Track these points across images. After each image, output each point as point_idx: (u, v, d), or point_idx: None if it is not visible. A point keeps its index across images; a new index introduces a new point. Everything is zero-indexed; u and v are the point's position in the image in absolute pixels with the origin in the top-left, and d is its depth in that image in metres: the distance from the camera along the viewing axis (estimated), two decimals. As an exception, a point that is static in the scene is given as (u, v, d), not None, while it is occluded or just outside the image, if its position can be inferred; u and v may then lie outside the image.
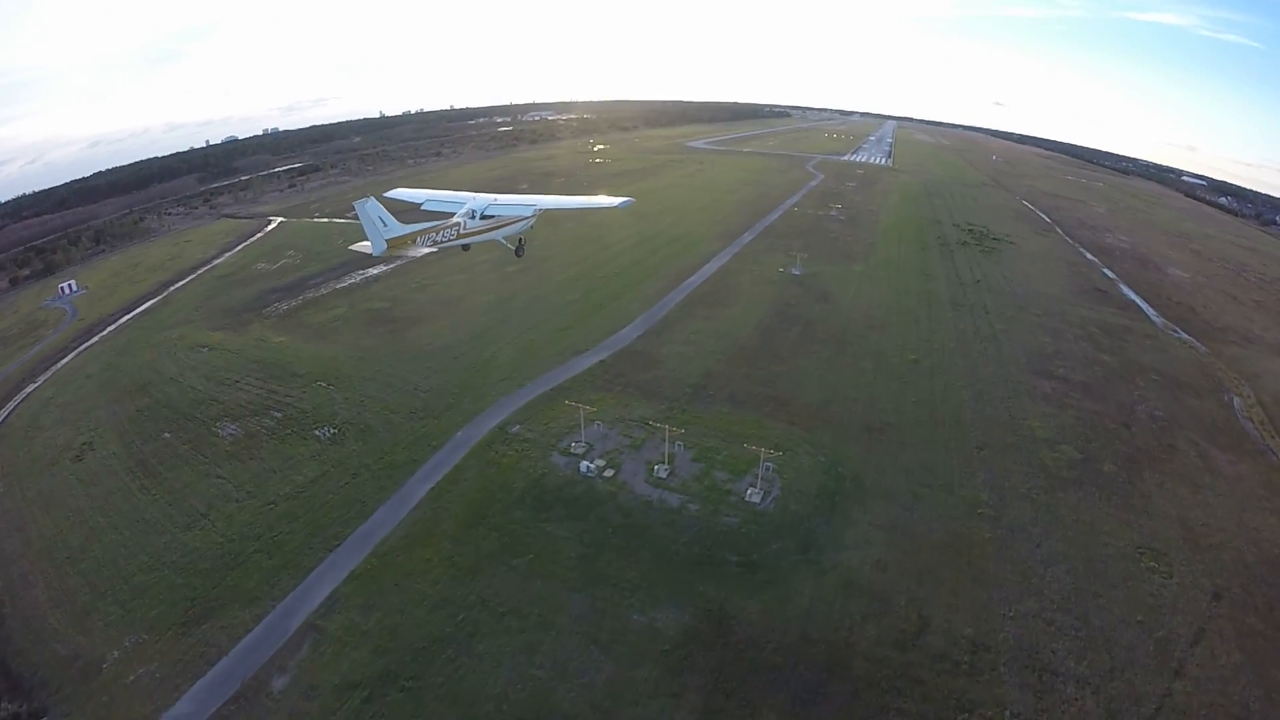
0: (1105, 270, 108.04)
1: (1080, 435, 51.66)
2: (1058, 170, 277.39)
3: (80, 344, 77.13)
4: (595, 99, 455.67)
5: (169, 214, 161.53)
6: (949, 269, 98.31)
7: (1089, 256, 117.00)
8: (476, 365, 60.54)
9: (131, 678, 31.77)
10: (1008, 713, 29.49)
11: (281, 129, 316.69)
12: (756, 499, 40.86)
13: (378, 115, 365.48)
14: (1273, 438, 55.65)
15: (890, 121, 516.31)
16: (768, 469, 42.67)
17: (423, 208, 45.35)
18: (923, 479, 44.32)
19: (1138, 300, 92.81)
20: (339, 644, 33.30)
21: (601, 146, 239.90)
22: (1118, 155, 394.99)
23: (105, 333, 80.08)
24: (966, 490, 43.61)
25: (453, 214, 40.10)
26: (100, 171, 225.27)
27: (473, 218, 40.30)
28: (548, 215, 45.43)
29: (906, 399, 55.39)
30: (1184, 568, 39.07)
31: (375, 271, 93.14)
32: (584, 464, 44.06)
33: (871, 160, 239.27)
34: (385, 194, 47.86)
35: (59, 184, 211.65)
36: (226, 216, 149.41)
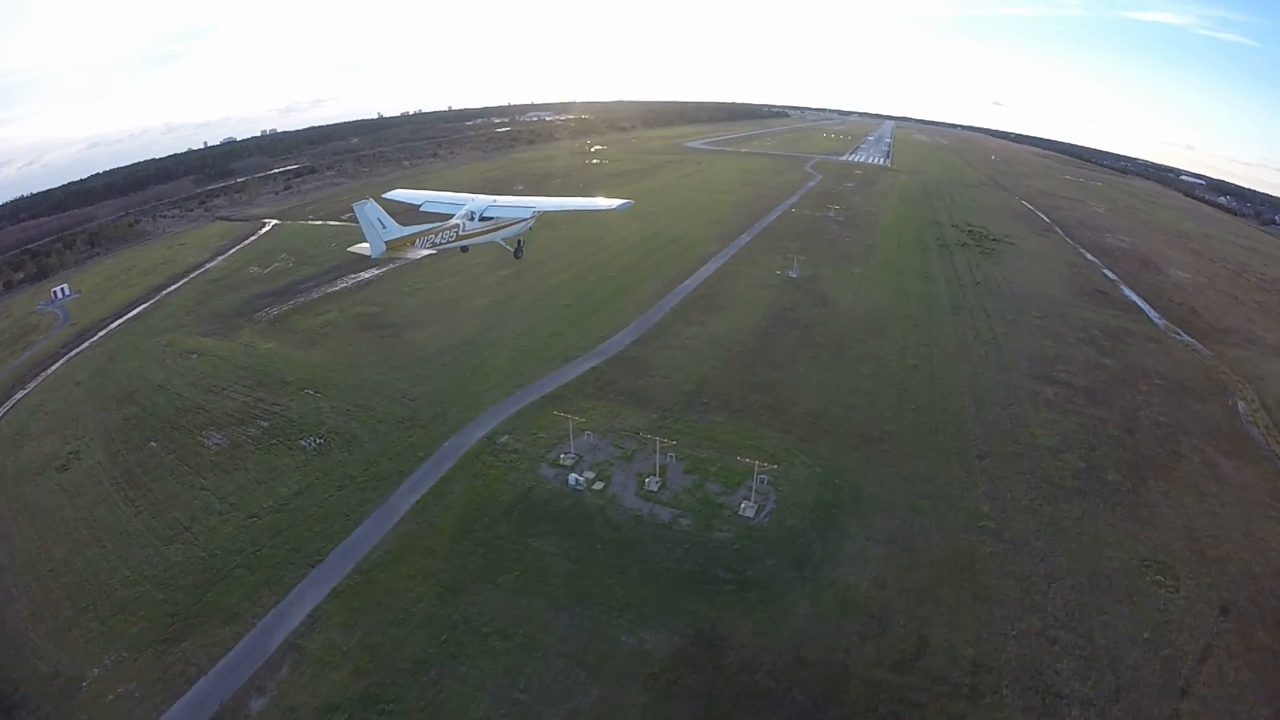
0: (1106, 271, 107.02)
1: (1084, 443, 50.49)
2: (1056, 170, 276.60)
3: (71, 349, 76.59)
4: (593, 99, 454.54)
5: (164, 216, 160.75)
6: (949, 271, 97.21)
7: (1089, 257, 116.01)
8: (466, 372, 59.32)
9: (111, 697, 31.08)
10: (1010, 738, 28.44)
11: (279, 130, 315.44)
12: (750, 513, 39.63)
13: (376, 116, 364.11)
14: (1278, 443, 54.52)
15: (888, 121, 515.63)
16: (762, 481, 41.48)
17: (421, 209, 44.97)
18: (923, 490, 43.07)
19: (1139, 302, 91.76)
20: (319, 664, 32.37)
21: (599, 147, 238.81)
22: (1116, 155, 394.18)
23: (96, 338, 79.46)
24: (967, 502, 42.39)
25: (451, 215, 39.77)
26: (98, 173, 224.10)
27: (471, 219, 39.97)
28: (545, 217, 44.88)
29: (906, 406, 54.17)
30: (1190, 581, 37.97)
31: (367, 275, 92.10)
32: (573, 476, 42.84)
33: (870, 160, 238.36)
34: (384, 195, 47.20)
35: (56, 186, 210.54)
36: (221, 219, 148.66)
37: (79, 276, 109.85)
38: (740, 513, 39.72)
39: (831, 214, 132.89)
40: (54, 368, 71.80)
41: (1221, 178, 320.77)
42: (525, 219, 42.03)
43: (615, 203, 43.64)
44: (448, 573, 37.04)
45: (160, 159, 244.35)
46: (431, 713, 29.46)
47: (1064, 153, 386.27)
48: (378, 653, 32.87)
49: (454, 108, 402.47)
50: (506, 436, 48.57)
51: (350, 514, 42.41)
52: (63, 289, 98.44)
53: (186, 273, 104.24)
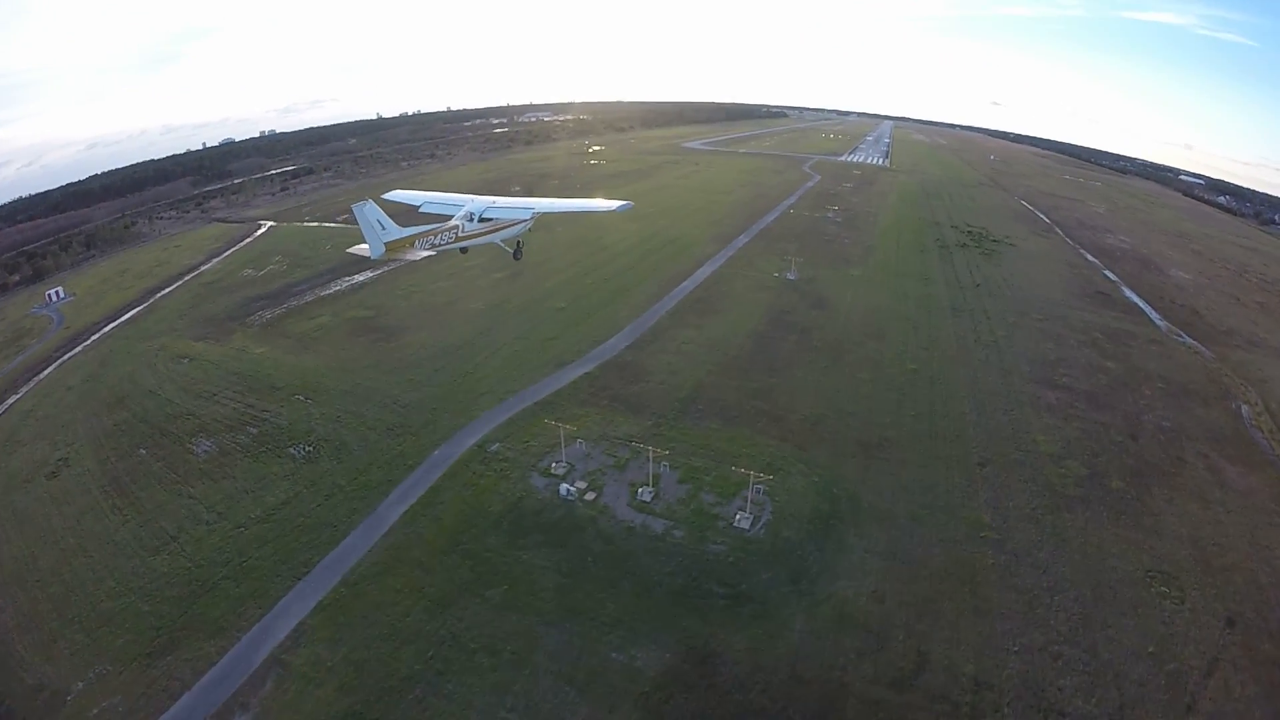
0: (1107, 272, 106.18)
1: (1086, 449, 49.58)
2: (1055, 170, 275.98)
3: (64, 353, 76.28)
4: (592, 100, 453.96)
5: (161, 218, 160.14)
6: (948, 272, 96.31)
7: (1090, 258, 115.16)
8: (458, 378, 58.39)
9: (95, 711, 30.73)
10: (1013, 760, 27.52)
11: (278, 131, 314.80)
12: (746, 524, 38.68)
13: (374, 117, 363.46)
14: (1284, 448, 53.66)
15: (887, 121, 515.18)
16: (758, 491, 40.52)
17: (420, 210, 44.80)
18: (922, 500, 42.14)
19: (1140, 303, 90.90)
20: (304, 680, 31.76)
21: (597, 147, 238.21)
22: (1115, 154, 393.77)
23: (89, 341, 79.13)
24: (968, 511, 41.45)
25: (451, 217, 39.66)
26: (96, 174, 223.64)
27: (471, 220, 39.78)
28: (543, 218, 44.45)
29: (905, 412, 53.23)
30: (1196, 592, 37.22)
31: (361, 278, 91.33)
32: (564, 486, 41.91)
33: (869, 161, 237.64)
34: (383, 196, 46.85)
35: (55, 187, 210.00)
36: (217, 221, 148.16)
37: (74, 279, 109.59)
38: (735, 524, 38.77)
39: (830, 215, 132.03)
40: (47, 372, 71.47)
41: (1221, 177, 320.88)
42: (524, 220, 41.77)
43: (614, 204, 43.25)
44: (435, 586, 36.27)
45: (158, 160, 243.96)
46: (416, 732, 28.73)
47: (1063, 152, 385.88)
48: (363, 669, 32.22)
49: (453, 108, 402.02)
50: (498, 444, 47.66)
51: (338, 524, 41.76)
52: (57, 292, 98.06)
53: (181, 275, 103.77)
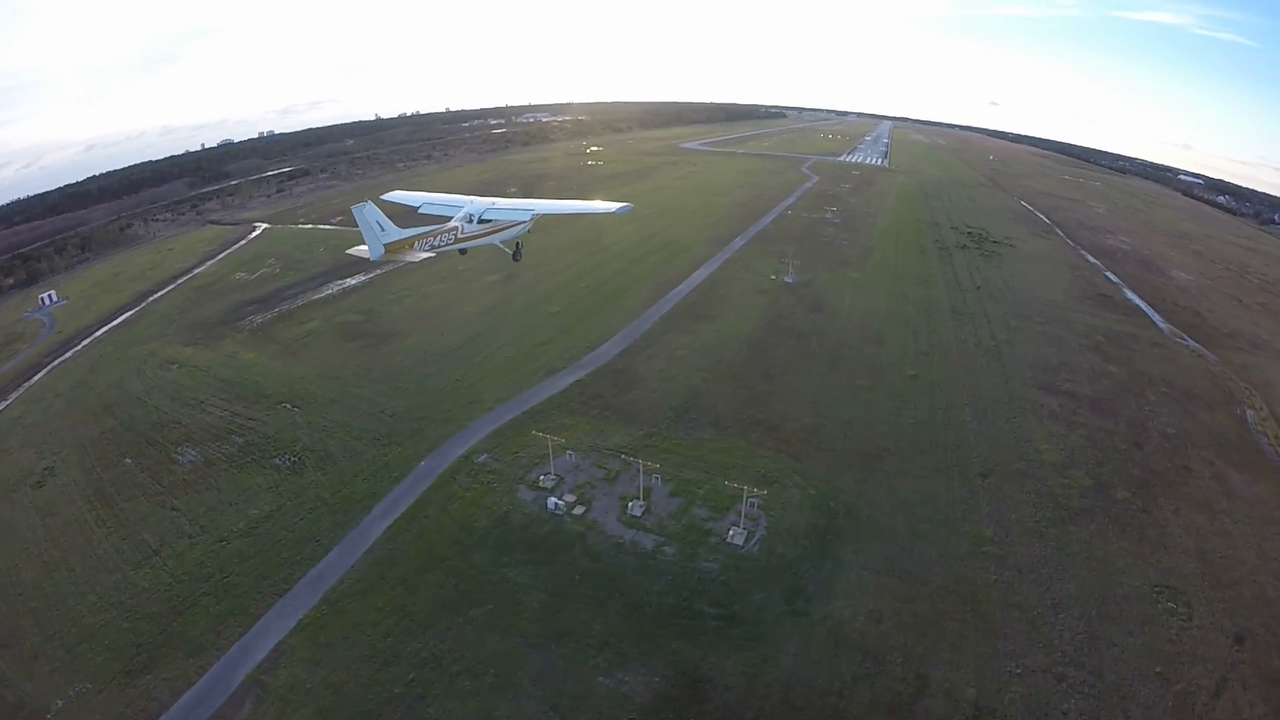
0: (1108, 273, 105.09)
1: (1091, 458, 48.40)
2: (1054, 170, 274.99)
3: (55, 358, 75.60)
4: (590, 100, 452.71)
5: (156, 220, 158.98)
6: (948, 274, 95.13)
7: (1090, 259, 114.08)
8: (447, 385, 57.17)
9: None
10: (1017, 792, 26.32)
11: (277, 132, 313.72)
12: (739, 540, 37.40)
13: (373, 118, 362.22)
14: (1291, 455, 52.53)
15: (886, 122, 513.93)
16: (752, 506, 39.23)
17: (420, 211, 44.50)
18: (922, 513, 40.88)
19: (1142, 305, 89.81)
20: (282, 703, 30.93)
21: (595, 148, 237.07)
22: (1114, 154, 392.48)
23: (80, 346, 78.37)
24: (970, 525, 40.21)
25: (450, 218, 39.43)
26: (93, 176, 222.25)
27: (470, 222, 39.41)
28: (539, 220, 43.73)
29: (905, 420, 51.97)
30: (1204, 607, 36.21)
31: (354, 281, 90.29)
32: (552, 500, 40.67)
33: (868, 161, 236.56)
34: (382, 197, 46.43)
35: (53, 188, 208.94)
36: (212, 223, 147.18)
37: (68, 282, 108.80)
38: (728, 540, 37.50)
39: (828, 216, 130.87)
40: (37, 378, 70.66)
41: (1220, 177, 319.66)
42: (524, 222, 41.24)
43: (614, 206, 42.51)
44: (417, 605, 35.21)
45: (156, 161, 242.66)
46: (395, 761, 27.63)
47: (1062, 152, 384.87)
48: (342, 692, 31.34)
49: (451, 109, 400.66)
50: (485, 455, 46.46)
51: (320, 539, 40.87)
52: (50, 295, 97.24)
53: (174, 278, 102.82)
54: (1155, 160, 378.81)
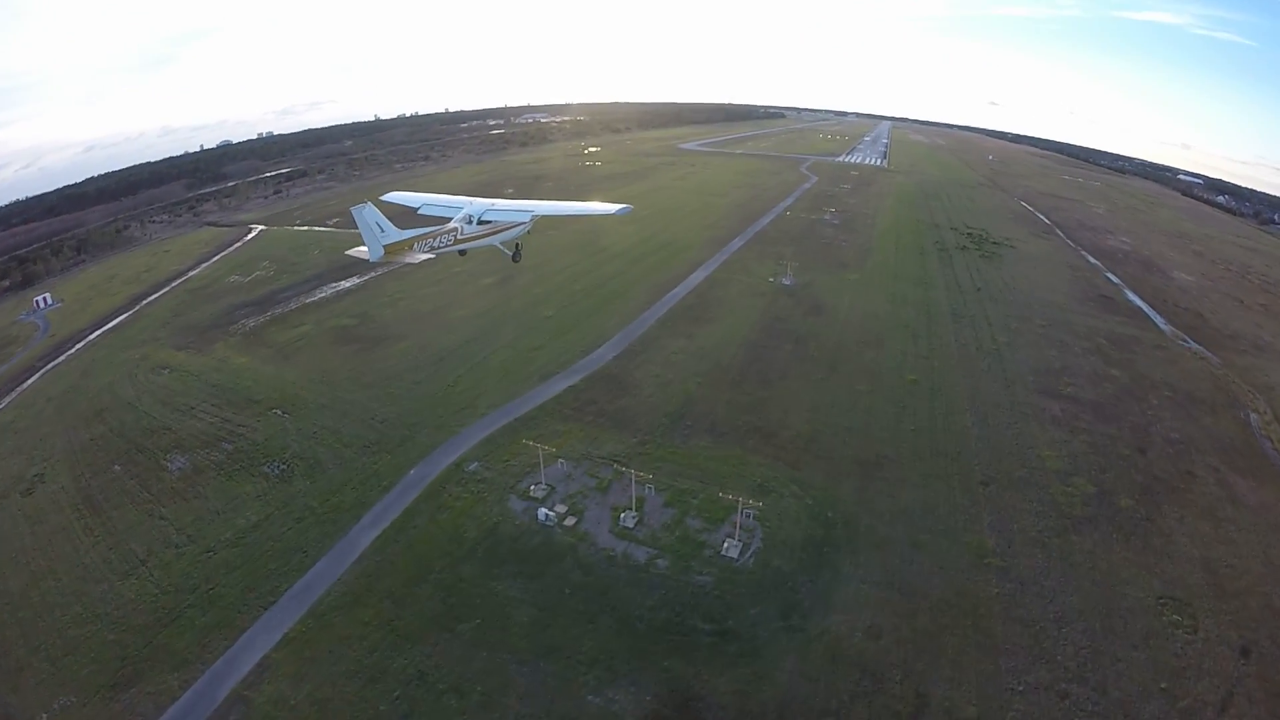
0: (1109, 274, 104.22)
1: (1094, 465, 47.54)
2: (1053, 170, 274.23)
3: (48, 362, 75.48)
4: (589, 101, 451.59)
5: (153, 222, 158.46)
6: (948, 276, 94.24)
7: (1091, 260, 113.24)
8: (439, 391, 56.29)
9: None
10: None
11: (276, 133, 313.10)
12: (734, 553, 36.48)
13: (372, 119, 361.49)
14: (1295, 460, 51.70)
15: (885, 122, 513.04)
16: (748, 516, 38.26)
17: (419, 212, 44.39)
18: (922, 523, 39.96)
19: (1144, 307, 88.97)
20: None
21: (593, 149, 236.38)
22: (1113, 154, 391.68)
23: (73, 350, 78.19)
24: (971, 535, 39.32)
25: (449, 219, 39.28)
26: (92, 177, 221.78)
27: (470, 223, 39.27)
28: (539, 221, 43.31)
29: (905, 426, 51.03)
30: (1209, 619, 35.45)
31: (348, 284, 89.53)
32: (542, 511, 39.76)
33: (867, 161, 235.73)
34: (381, 198, 46.39)
35: (51, 190, 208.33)
36: (209, 225, 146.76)
37: (63, 285, 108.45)
38: (723, 552, 36.58)
39: (827, 217, 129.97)
40: (29, 382, 70.38)
41: (1219, 177, 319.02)
42: (523, 223, 41.04)
43: (614, 208, 42.31)
44: (404, 619, 34.44)
45: (154, 162, 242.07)
46: (377, 783, 26.80)
47: (1061, 152, 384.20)
48: (326, 708, 30.70)
49: (450, 110, 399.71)
50: (476, 464, 45.59)
51: (308, 550, 40.18)
52: (45, 298, 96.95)
53: (168, 281, 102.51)
54: (1154, 160, 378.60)
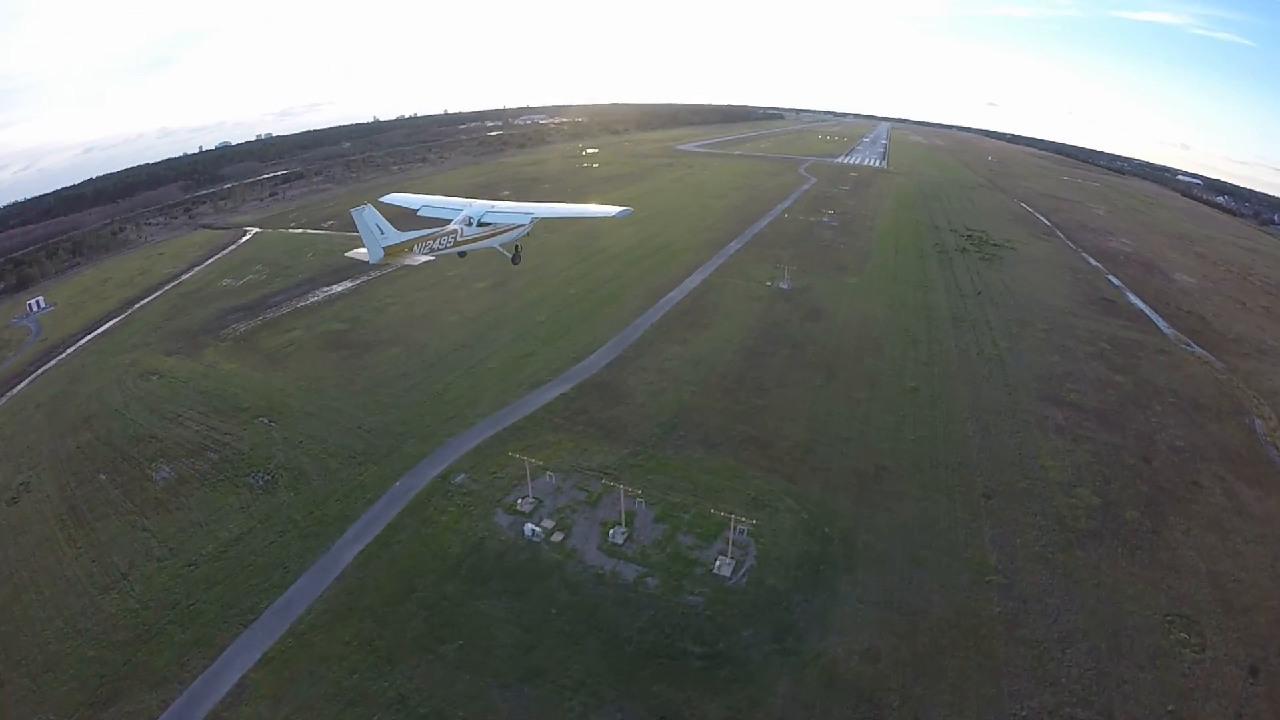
0: (1110, 277, 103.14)
1: (1098, 475, 46.36)
2: (1053, 170, 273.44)
3: (39, 366, 74.79)
4: (588, 102, 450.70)
5: (149, 224, 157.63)
6: (948, 279, 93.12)
7: (1092, 262, 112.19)
8: (427, 399, 55.08)
9: None
10: None
11: (274, 134, 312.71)
12: (727, 571, 35.20)
13: (371, 120, 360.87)
14: (1302, 468, 50.61)
15: (884, 123, 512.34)
16: (741, 533, 36.96)
17: (419, 214, 44.25)
18: (922, 539, 38.68)
19: (1146, 310, 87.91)
20: None
21: (591, 150, 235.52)
22: (1112, 155, 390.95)
23: (64, 355, 77.45)
24: (972, 551, 38.07)
25: (449, 220, 39.11)
26: (90, 179, 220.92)
27: (470, 225, 39.14)
28: (539, 223, 43.13)
29: (905, 436, 49.72)
30: (1217, 637, 34.34)
31: (340, 288, 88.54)
32: (529, 526, 38.52)
33: (866, 162, 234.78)
34: (381, 199, 45.99)
35: (50, 191, 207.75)
36: (204, 227, 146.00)
37: (57, 288, 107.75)
38: (715, 571, 35.30)
39: (826, 219, 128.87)
40: (19, 388, 69.70)
41: (1218, 177, 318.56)
42: (523, 225, 41.01)
43: (614, 210, 42.05)
44: (386, 640, 33.31)
45: (153, 164, 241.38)
46: (352, 816, 25.66)
47: (1060, 153, 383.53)
48: None
49: (449, 111, 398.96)
50: (463, 476, 44.38)
51: (290, 565, 39.15)
52: (38, 301, 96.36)
53: (161, 285, 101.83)
54: (1154, 160, 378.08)
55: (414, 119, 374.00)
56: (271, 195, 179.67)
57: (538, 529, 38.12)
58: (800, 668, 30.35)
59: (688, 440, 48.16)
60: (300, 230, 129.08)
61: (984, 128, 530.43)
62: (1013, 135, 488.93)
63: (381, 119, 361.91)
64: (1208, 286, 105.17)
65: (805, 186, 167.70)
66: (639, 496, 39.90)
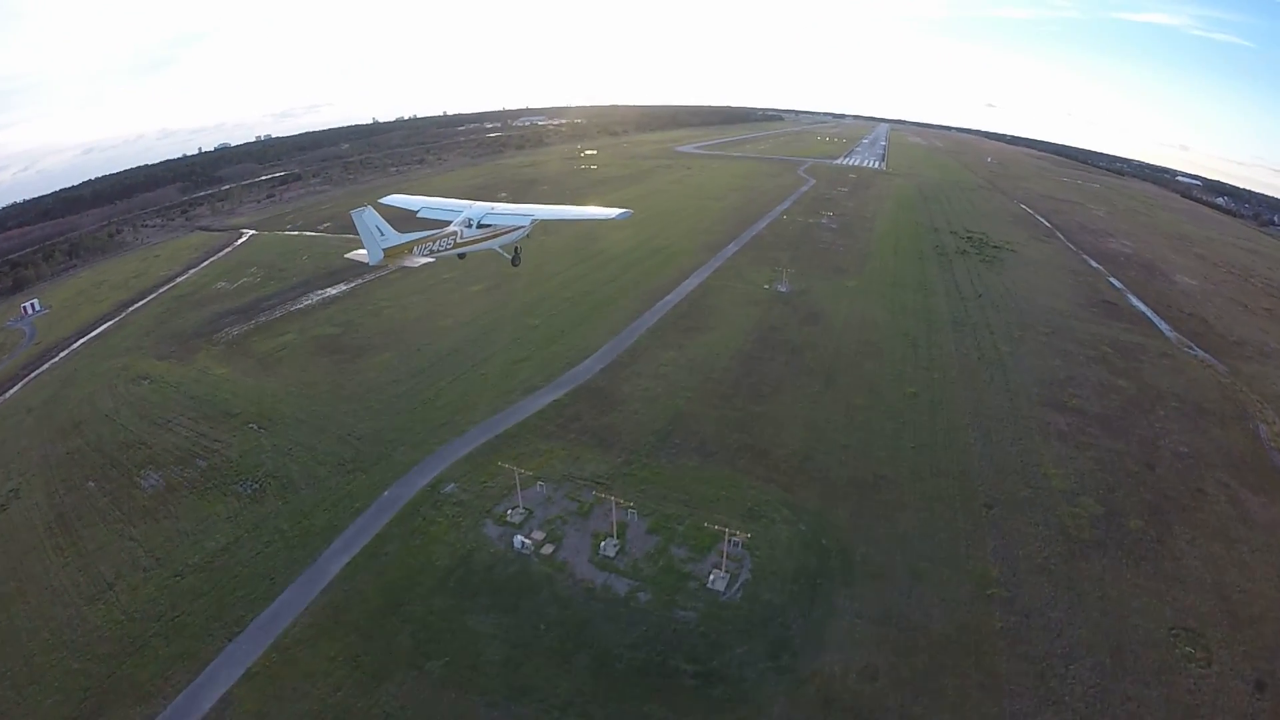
0: (1112, 279, 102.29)
1: (1101, 483, 45.45)
2: (1052, 172, 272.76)
3: (32, 370, 74.55)
4: (587, 104, 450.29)
5: (145, 226, 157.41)
6: (948, 281, 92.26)
7: (1093, 264, 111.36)
8: (418, 406, 54.18)
9: None
10: None
11: (274, 136, 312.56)
12: (721, 585, 34.23)
13: (370, 121, 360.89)
14: (1307, 475, 49.78)
15: (883, 124, 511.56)
16: (736, 545, 36.03)
17: (419, 215, 44.26)
18: (922, 551, 37.70)
19: (1148, 312, 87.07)
20: None
21: (590, 152, 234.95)
22: (1111, 156, 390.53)
23: (57, 359, 77.04)
24: (974, 563, 37.11)
25: (449, 222, 39.11)
26: (88, 180, 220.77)
27: (470, 227, 39.12)
28: (538, 225, 42.84)
29: (904, 444, 48.71)
30: (1223, 650, 33.50)
31: (334, 291, 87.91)
32: (519, 539, 37.55)
33: (865, 164, 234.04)
34: (380, 201, 45.73)
35: (49, 192, 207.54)
36: (200, 229, 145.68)
37: (52, 290, 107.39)
38: (709, 585, 34.34)
39: (825, 221, 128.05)
40: (11, 392, 69.34)
41: (1217, 178, 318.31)
42: (523, 226, 40.92)
43: (614, 212, 41.90)
44: (371, 655, 32.48)
45: (151, 165, 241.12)
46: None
47: (1060, 154, 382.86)
48: None
49: (449, 113, 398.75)
50: (453, 485, 43.49)
51: (275, 576, 38.39)
52: (33, 304, 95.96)
53: (156, 287, 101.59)
54: (1153, 161, 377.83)
55: (413, 120, 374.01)
56: (269, 197, 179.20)
57: (528, 541, 37.19)
58: (796, 687, 29.39)
59: (683, 448, 47.17)
60: (296, 232, 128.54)
61: (983, 129, 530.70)
62: (1012, 136, 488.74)
63: (381, 120, 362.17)
64: (1209, 288, 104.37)
65: (804, 188, 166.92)
66: (631, 508, 39.01)
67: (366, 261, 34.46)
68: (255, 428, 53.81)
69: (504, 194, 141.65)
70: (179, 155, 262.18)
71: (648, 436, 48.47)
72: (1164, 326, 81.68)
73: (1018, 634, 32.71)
